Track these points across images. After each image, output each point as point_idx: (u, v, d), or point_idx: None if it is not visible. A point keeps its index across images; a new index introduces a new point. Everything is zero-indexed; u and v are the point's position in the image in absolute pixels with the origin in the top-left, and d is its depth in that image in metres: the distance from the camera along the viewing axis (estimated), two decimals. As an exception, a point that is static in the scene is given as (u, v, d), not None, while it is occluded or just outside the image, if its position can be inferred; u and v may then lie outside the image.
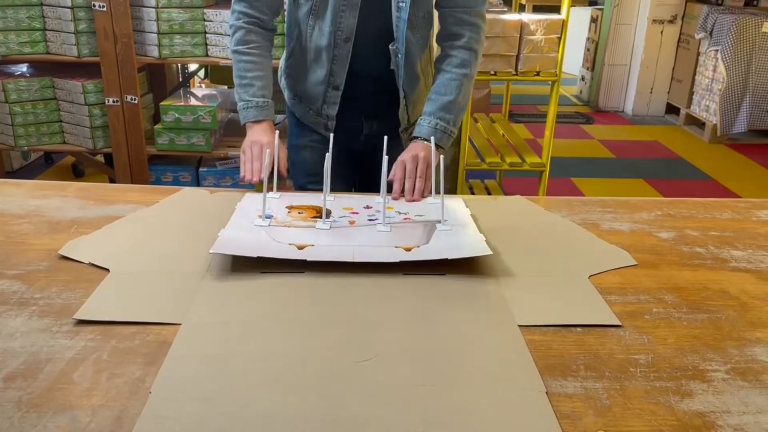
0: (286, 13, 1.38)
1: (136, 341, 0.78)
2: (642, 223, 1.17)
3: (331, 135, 1.23)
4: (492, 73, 2.57)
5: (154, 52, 2.56)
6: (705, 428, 0.66)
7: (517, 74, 2.57)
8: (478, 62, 1.34)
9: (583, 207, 1.25)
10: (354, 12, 1.29)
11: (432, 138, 1.24)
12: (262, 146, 1.26)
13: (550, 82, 2.61)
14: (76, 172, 3.50)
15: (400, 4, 1.27)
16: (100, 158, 3.04)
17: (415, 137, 1.31)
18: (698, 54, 4.76)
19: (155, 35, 2.53)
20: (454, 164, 2.79)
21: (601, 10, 5.34)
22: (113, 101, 2.59)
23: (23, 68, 2.76)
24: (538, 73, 2.56)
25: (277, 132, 1.28)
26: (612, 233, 1.13)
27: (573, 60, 6.61)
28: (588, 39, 5.68)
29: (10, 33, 2.52)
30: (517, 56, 2.53)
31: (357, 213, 1.15)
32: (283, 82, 1.50)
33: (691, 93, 4.88)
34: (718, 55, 4.37)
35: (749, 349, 0.79)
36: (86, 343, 0.77)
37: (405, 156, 1.27)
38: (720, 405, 0.69)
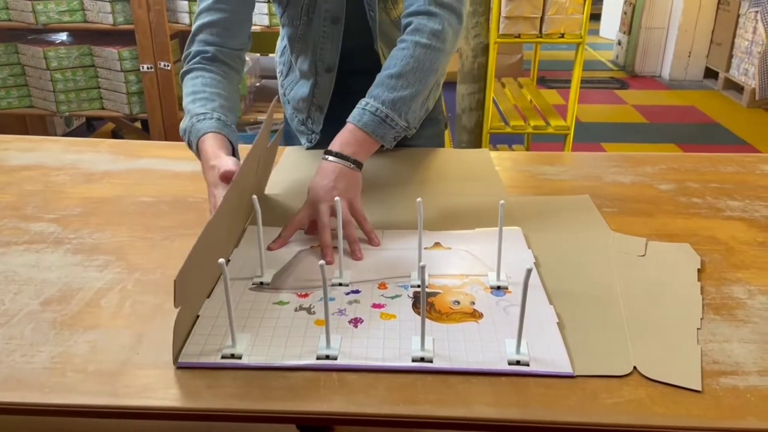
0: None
1: (158, 274, 0.86)
2: (644, 176, 1.21)
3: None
4: (516, 35, 2.58)
5: (186, 19, 2.64)
6: (670, 353, 0.71)
7: (541, 36, 2.57)
8: (446, 30, 1.00)
9: (589, 161, 1.29)
10: (336, 44, 1.16)
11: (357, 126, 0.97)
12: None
13: (575, 45, 2.60)
14: (116, 138, 3.64)
15: (371, 13, 1.14)
16: (138, 125, 3.17)
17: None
18: (738, 16, 4.62)
19: (186, 2, 2.61)
20: (478, 128, 2.81)
21: (639, -29, 5.21)
22: (147, 68, 2.69)
23: (63, 36, 2.88)
24: (562, 35, 2.56)
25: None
26: (613, 185, 1.16)
27: (610, 24, 6.49)
28: (625, 2, 5.56)
29: (49, 2, 2.63)
30: (542, 18, 2.53)
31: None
32: (278, 74, 1.37)
33: (731, 56, 4.76)
34: (758, 17, 4.24)
35: (727, 288, 0.84)
36: (113, 276, 0.86)
37: (312, 190, 0.94)
38: (689, 334, 0.74)
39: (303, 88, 1.27)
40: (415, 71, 0.98)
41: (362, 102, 0.99)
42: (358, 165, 0.96)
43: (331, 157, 0.96)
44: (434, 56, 1.00)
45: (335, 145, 0.97)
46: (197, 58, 1.08)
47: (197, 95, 1.03)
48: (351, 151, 0.96)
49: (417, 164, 1.25)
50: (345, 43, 1.18)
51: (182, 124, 1.03)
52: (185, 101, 1.05)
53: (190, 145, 1.02)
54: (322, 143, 1.30)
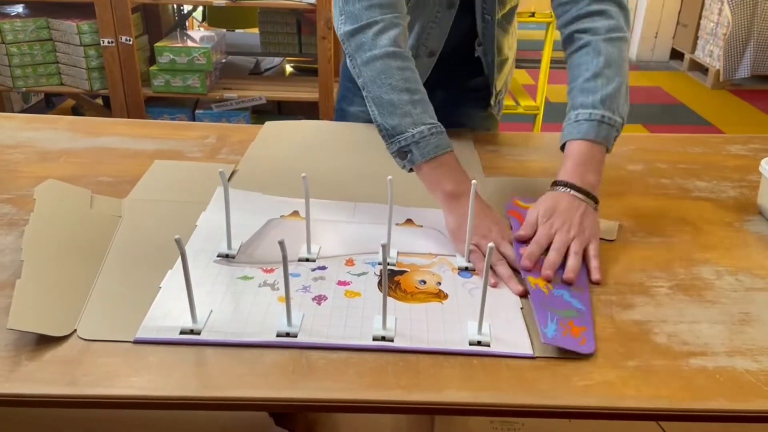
0: None
1: (119, 258, 0.83)
2: (614, 156, 1.19)
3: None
4: (487, 14, 2.55)
5: (148, -9, 2.55)
6: (641, 334, 0.71)
7: (512, 15, 2.55)
8: (617, 20, 0.98)
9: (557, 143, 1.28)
10: (444, 30, 1.15)
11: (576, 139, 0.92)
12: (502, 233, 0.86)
13: (545, 24, 2.60)
14: (76, 115, 3.53)
15: (486, 16, 1.15)
16: (99, 102, 3.07)
17: (565, 143, 0.95)
18: (704, -3, 4.67)
19: (148, -26, 2.52)
20: (449, 107, 2.80)
21: (608, -49, 5.22)
22: (108, 42, 2.60)
23: (19, 8, 2.76)
24: (533, 14, 2.55)
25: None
26: (583, 166, 1.16)
27: (579, 4, 6.50)
28: (594, -18, 5.56)
29: (3, -28, 2.51)
30: (512, -3, 2.51)
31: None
32: None
33: (696, 38, 4.81)
34: (724, -2, 4.29)
35: (696, 268, 0.84)
36: (72, 259, 0.82)
37: (542, 206, 0.88)
38: (658, 315, 0.74)
39: None
40: (609, 65, 0.95)
41: (570, 117, 0.95)
42: (595, 200, 0.89)
43: (569, 190, 0.88)
44: (619, 46, 0.97)
45: (567, 175, 0.89)
46: (390, 39, 0.91)
47: (414, 95, 0.89)
48: (587, 182, 0.89)
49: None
50: (451, 29, 1.15)
51: (393, 123, 0.88)
52: (395, 96, 0.89)
53: (403, 153, 0.89)
54: None
